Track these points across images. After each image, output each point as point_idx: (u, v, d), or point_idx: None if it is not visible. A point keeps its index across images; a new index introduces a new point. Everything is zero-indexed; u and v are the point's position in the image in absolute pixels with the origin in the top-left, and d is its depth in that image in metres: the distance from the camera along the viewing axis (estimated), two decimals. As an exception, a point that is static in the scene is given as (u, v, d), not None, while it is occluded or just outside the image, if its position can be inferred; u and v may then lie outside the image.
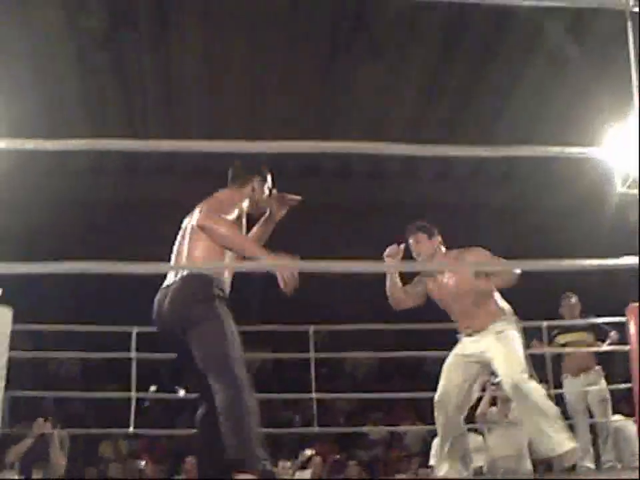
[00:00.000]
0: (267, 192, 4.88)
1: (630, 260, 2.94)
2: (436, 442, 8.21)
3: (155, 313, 4.59)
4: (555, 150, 3.09)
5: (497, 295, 5.82)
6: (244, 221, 4.67)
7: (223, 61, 12.56)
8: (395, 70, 12.70)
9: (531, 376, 5.46)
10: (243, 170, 4.88)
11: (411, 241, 5.92)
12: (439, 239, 5.97)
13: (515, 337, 5.60)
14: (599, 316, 8.37)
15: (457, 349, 5.79)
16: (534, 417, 5.35)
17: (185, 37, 12.13)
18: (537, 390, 5.41)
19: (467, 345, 5.73)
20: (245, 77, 12.90)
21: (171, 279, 4.56)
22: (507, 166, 15.21)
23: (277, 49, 12.33)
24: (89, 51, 12.08)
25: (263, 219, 4.95)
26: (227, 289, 4.56)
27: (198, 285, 4.42)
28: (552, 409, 5.41)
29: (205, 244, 4.46)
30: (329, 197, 15.05)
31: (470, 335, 5.73)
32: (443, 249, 5.94)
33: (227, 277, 4.57)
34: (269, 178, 4.92)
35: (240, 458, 4.13)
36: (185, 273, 4.49)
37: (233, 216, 4.49)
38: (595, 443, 8.29)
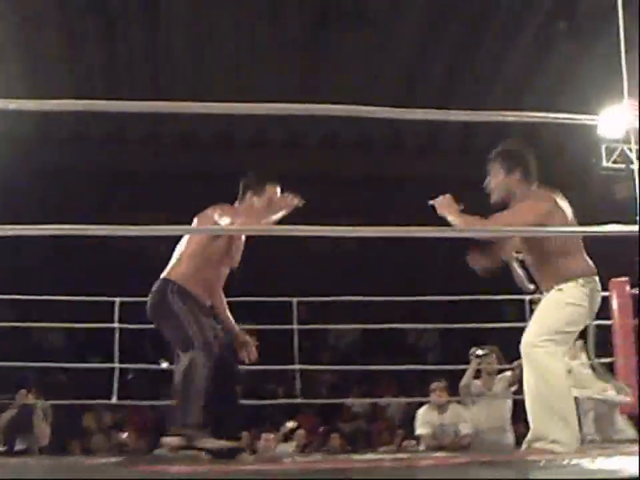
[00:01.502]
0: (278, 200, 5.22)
1: (629, 228, 2.95)
2: (421, 411, 8.28)
3: None
4: (546, 116, 3.07)
5: (573, 255, 4.90)
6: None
7: (208, 28, 12.49)
8: (384, 37, 12.65)
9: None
10: (256, 179, 5.33)
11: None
12: (520, 173, 4.99)
13: (564, 303, 4.81)
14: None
15: None
16: (530, 394, 4.77)
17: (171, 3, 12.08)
18: (546, 363, 4.71)
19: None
20: (231, 44, 12.81)
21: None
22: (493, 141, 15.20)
23: (263, 16, 12.27)
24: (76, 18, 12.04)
25: None
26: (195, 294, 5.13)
27: (159, 289, 5.16)
28: (551, 392, 4.68)
29: (192, 251, 5.14)
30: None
31: (541, 294, 5.07)
32: (533, 187, 5.01)
33: (200, 291, 5.17)
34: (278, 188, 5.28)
35: (173, 423, 4.86)
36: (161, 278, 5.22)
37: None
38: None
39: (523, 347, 4.77)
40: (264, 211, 5.12)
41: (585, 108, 9.58)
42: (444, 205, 4.87)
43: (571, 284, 4.82)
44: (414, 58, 13.42)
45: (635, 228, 2.95)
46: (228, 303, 5.31)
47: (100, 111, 3.65)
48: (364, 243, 13.64)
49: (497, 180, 5.04)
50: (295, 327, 7.94)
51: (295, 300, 7.93)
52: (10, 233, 2.77)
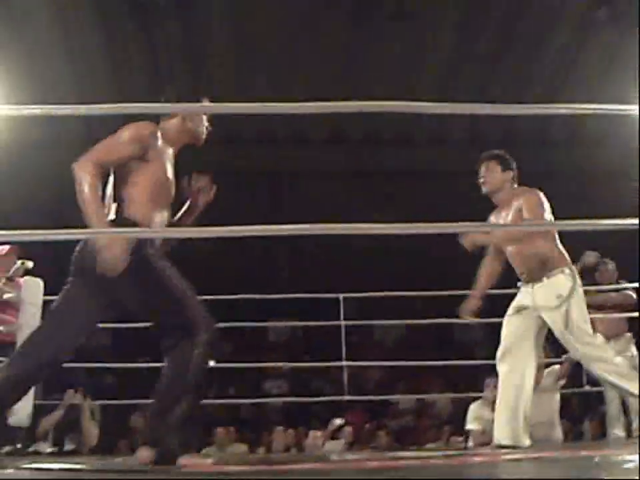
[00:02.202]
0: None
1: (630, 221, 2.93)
2: (473, 407, 8.22)
3: None
4: (589, 107, 3.03)
5: (556, 242, 5.59)
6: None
7: (247, 18, 12.49)
8: (423, 30, 12.61)
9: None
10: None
11: (482, 168, 5.71)
12: (512, 174, 5.72)
13: (573, 291, 5.39)
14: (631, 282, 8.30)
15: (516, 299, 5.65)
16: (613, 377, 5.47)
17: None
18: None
19: (523, 295, 5.59)
20: (271, 35, 12.79)
21: None
22: (540, 132, 15.11)
23: (305, 6, 12.26)
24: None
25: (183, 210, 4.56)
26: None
27: None
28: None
29: None
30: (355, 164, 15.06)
31: (526, 284, 5.58)
32: (515, 185, 5.72)
33: None
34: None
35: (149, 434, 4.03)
36: None
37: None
38: (625, 411, 8.21)
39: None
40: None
41: (627, 97, 9.51)
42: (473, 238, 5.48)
43: (561, 275, 5.41)
44: (452, 50, 13.34)
45: (634, 221, 2.98)
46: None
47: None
48: (410, 238, 13.60)
49: (493, 175, 5.67)
50: (342, 322, 7.91)
51: (341, 296, 7.91)
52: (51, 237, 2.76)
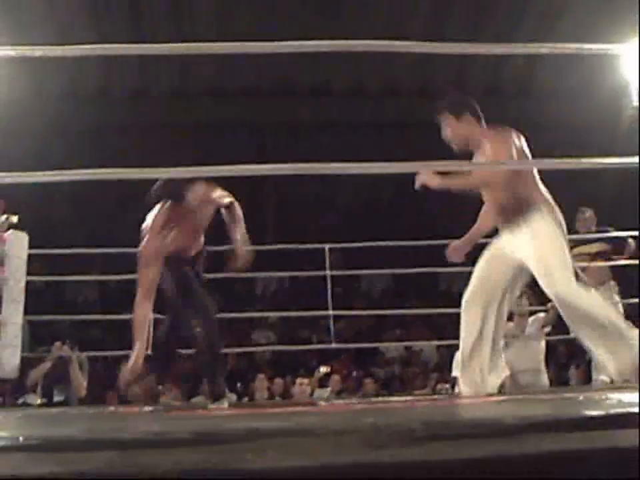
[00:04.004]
0: None
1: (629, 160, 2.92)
2: (458, 354, 8.25)
3: None
4: (578, 47, 3.02)
5: (533, 183, 5.03)
6: None
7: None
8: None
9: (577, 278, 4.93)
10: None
11: (442, 125, 5.16)
12: (469, 115, 5.11)
13: (551, 234, 4.89)
14: (615, 229, 8.34)
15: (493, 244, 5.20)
16: (587, 331, 4.76)
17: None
18: (587, 298, 4.81)
19: (500, 239, 5.15)
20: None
21: None
22: (524, 81, 15.11)
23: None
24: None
25: None
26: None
27: None
28: (607, 318, 4.71)
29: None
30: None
31: (503, 229, 5.11)
32: (483, 124, 5.14)
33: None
34: None
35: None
36: None
37: None
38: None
39: (557, 300, 4.79)
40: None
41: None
42: (429, 179, 4.90)
43: (537, 216, 4.89)
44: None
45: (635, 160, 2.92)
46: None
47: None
48: (397, 190, 13.62)
49: (451, 129, 5.11)
50: (328, 273, 7.93)
51: (326, 246, 7.92)
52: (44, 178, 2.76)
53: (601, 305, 4.86)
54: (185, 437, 1.84)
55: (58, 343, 8.11)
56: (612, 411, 2.35)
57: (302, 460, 1.66)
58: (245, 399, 9.51)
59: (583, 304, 4.70)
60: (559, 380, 9.74)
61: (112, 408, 6.68)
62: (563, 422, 2.08)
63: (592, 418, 2.14)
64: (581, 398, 3.63)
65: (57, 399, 8.01)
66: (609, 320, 4.67)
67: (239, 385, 10.22)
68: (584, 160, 3.05)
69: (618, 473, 1.76)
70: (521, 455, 1.79)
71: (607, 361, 4.65)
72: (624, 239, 8.34)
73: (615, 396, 3.42)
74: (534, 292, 8.16)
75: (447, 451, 1.77)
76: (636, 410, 2.18)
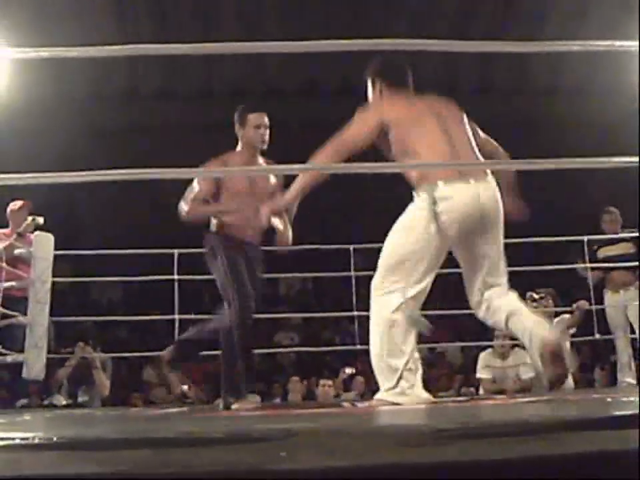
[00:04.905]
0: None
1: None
2: (482, 355, 8.24)
3: None
4: (605, 44, 2.99)
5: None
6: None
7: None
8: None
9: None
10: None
11: None
12: (379, 87, 4.46)
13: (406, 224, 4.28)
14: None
15: None
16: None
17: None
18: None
19: None
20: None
21: None
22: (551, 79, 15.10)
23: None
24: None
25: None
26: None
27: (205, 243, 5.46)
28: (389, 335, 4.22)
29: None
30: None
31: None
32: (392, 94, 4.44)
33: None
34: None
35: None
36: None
37: None
38: (636, 359, 8.25)
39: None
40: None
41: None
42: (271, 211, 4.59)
43: (416, 200, 4.26)
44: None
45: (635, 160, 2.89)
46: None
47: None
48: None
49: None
50: (352, 274, 7.93)
51: (351, 247, 7.92)
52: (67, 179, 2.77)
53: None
54: (220, 437, 1.84)
55: (81, 344, 8.15)
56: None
57: (337, 460, 1.67)
58: (275, 400, 9.53)
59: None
60: (584, 381, 9.70)
61: (138, 408, 6.71)
62: (590, 422, 2.07)
63: (621, 417, 2.13)
64: (608, 399, 3.62)
65: (80, 399, 8.05)
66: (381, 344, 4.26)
67: (261, 386, 10.23)
68: (584, 160, 3.03)
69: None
70: (549, 455, 1.79)
71: None
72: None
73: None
74: (557, 293, 8.17)
75: (477, 452, 1.78)
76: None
